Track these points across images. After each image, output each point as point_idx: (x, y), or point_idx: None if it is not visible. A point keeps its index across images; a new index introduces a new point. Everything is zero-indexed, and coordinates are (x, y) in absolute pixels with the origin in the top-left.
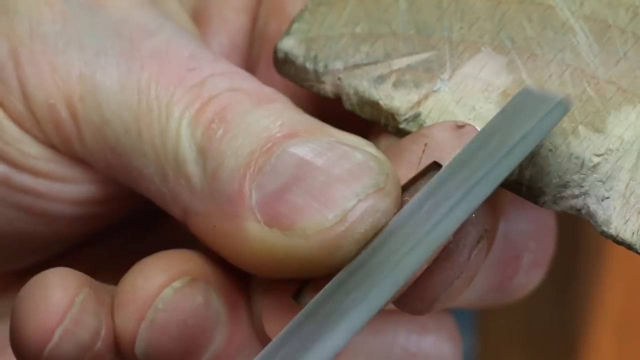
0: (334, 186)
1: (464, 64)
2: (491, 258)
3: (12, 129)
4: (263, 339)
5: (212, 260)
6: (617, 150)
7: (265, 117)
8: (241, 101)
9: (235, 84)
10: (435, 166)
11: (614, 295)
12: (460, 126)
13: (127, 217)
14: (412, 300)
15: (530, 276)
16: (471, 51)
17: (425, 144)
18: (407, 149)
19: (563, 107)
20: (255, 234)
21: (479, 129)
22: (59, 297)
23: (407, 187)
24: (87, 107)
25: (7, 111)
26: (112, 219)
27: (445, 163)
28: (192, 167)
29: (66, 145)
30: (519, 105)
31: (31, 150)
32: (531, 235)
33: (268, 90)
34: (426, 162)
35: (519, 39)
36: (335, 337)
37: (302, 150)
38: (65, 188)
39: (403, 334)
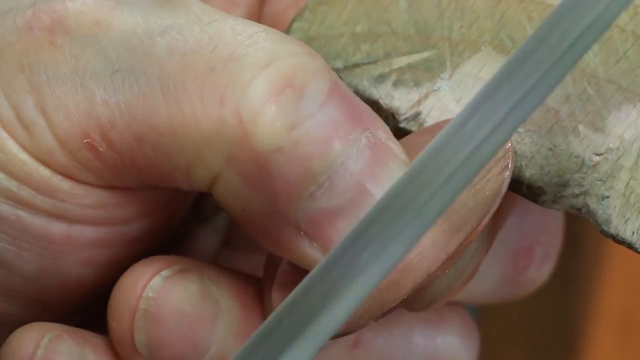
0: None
1: (464, 63)
2: (504, 251)
3: (64, 185)
4: None
5: (212, 264)
6: (617, 149)
7: (318, 110)
8: (290, 80)
9: (270, 53)
10: None
11: (614, 295)
12: None
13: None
14: (410, 299)
15: (541, 270)
16: (471, 50)
17: None
18: (427, 143)
19: None
20: (292, 242)
21: None
22: (24, 344)
23: None
24: (119, 131)
25: (54, 168)
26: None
27: None
28: (236, 150)
29: (117, 177)
30: None
31: (88, 200)
32: (542, 229)
33: (302, 52)
34: None
35: (519, 37)
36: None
37: (358, 166)
38: (124, 230)
39: (419, 330)
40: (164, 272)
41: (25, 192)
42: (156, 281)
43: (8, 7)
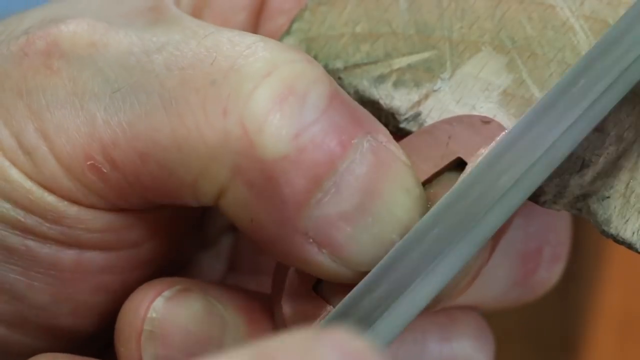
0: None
1: (464, 63)
2: (513, 252)
3: (71, 211)
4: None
5: (215, 283)
6: (618, 149)
7: (321, 119)
8: (292, 88)
9: (270, 62)
10: (459, 162)
11: (614, 295)
12: (485, 122)
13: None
14: None
15: (550, 270)
16: (471, 50)
17: (450, 137)
18: (427, 143)
19: None
20: (302, 250)
21: (504, 126)
22: None
23: (430, 181)
24: (122, 150)
25: (59, 194)
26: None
27: (469, 159)
28: (242, 160)
29: (122, 198)
30: None
31: (95, 225)
32: (550, 229)
33: (301, 60)
34: (450, 156)
35: (519, 38)
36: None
37: (362, 170)
38: (133, 253)
39: (433, 335)
40: (166, 293)
41: (32, 221)
42: (158, 302)
43: (2, 38)
